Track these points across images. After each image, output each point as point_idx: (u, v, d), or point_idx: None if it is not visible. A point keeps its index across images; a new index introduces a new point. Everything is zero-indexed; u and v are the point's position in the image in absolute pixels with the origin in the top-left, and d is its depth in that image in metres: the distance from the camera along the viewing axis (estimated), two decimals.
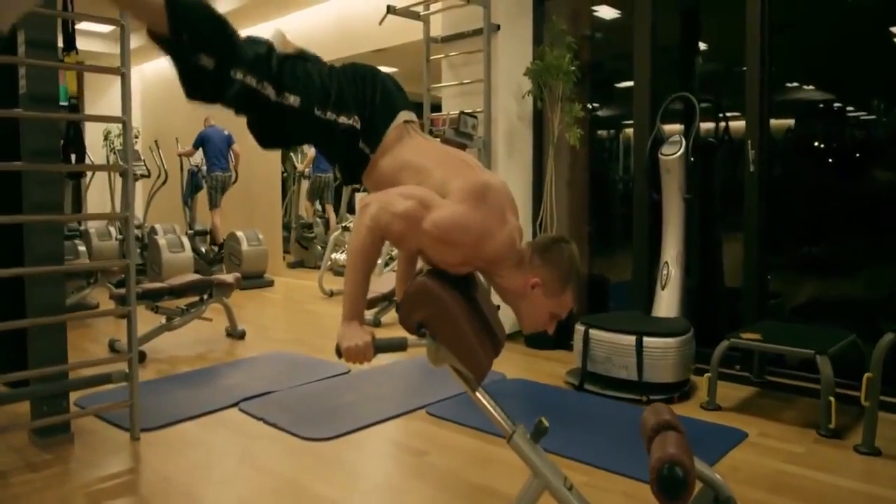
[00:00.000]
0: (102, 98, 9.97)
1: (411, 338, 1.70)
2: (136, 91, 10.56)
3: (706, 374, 3.33)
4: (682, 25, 4.60)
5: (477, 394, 1.74)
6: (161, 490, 2.48)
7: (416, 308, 1.67)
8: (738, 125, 4.05)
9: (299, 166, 9.36)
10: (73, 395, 3.36)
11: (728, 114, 4.27)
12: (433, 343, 1.69)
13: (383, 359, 4.06)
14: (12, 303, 2.78)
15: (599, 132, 5.21)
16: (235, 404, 3.32)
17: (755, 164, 3.76)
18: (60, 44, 2.85)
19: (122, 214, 2.92)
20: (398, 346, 1.68)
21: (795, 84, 4.15)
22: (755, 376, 3.69)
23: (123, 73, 2.78)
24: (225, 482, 2.53)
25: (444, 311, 1.62)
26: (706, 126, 4.33)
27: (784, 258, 4.16)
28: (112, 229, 7.14)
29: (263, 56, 1.74)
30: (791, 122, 4.14)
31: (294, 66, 1.79)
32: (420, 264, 1.90)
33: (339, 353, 1.62)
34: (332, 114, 1.75)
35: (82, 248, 5.94)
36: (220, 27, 1.71)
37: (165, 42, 1.65)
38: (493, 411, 1.72)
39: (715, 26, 4.46)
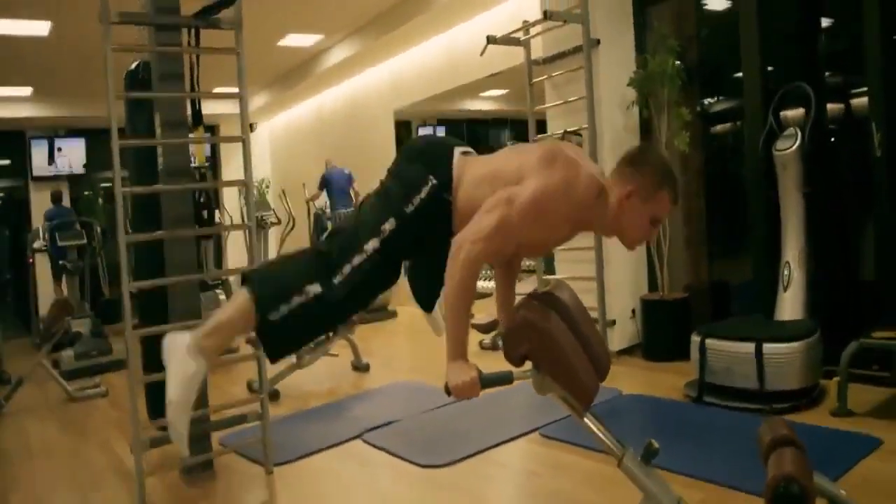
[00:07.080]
0: (235, 158, 10.75)
1: (516, 370, 1.76)
2: (266, 144, 11.32)
3: (835, 378, 3.15)
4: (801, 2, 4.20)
5: (585, 419, 1.76)
6: None
7: (519, 342, 1.74)
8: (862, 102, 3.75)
9: None
10: (218, 434, 3.66)
11: (855, 90, 3.95)
12: (538, 374, 1.75)
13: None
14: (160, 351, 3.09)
15: (714, 128, 5.02)
16: (359, 436, 3.48)
17: (882, 148, 3.49)
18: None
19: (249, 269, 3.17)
20: (504, 379, 1.73)
21: None
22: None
23: (243, 140, 3.06)
24: None
25: (548, 344, 1.69)
26: (831, 107, 4.04)
27: None
28: None
29: (341, 237, 1.89)
30: None
31: (360, 213, 1.93)
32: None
33: (447, 391, 1.71)
34: (416, 196, 1.83)
35: (222, 297, 6.38)
36: (296, 267, 1.88)
37: (268, 316, 1.81)
38: (601, 436, 1.74)
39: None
